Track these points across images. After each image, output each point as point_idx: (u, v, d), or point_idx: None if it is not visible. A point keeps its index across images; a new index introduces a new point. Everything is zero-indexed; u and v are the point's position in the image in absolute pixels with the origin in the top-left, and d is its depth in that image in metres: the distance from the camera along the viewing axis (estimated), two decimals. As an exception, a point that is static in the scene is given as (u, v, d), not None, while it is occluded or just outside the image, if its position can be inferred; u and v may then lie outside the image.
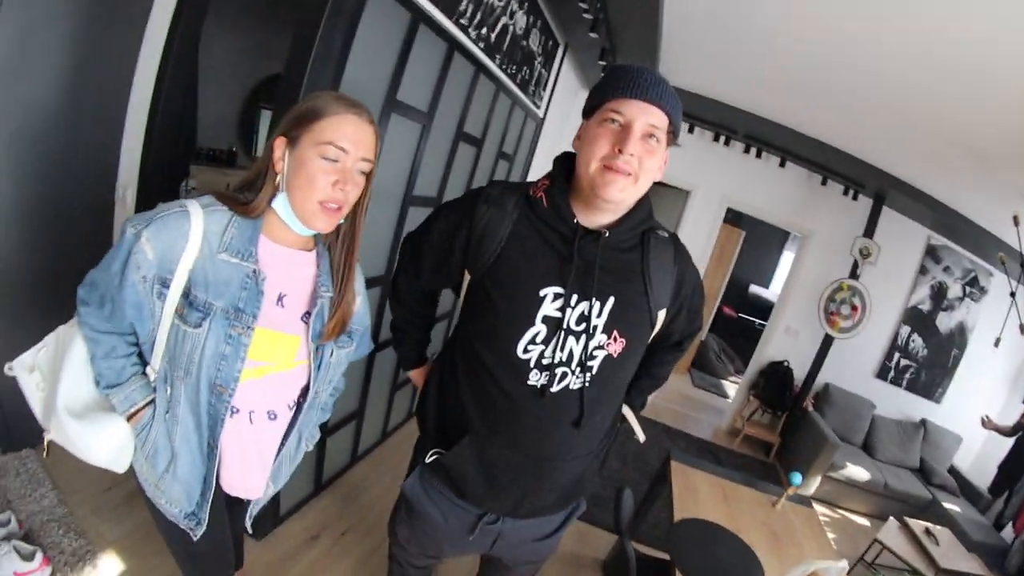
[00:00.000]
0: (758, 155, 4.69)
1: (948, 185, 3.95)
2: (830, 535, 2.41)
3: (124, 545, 1.93)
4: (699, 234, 5.02)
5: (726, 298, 7.58)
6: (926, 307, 5.01)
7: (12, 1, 1.63)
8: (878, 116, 3.26)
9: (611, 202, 1.02)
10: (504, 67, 2.78)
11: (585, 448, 1.17)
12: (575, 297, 1.05)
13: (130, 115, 2.12)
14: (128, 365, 1.07)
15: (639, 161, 0.99)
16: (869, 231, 4.71)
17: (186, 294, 0.99)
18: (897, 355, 5.07)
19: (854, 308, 4.66)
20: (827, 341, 4.84)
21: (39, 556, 1.71)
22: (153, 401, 1.08)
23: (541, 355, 1.05)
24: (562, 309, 1.04)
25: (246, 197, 1.03)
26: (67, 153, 1.97)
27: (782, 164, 4.64)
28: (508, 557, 1.43)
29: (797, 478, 2.19)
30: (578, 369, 1.07)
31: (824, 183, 4.68)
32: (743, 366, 6.21)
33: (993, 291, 5.05)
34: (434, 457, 1.21)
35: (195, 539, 1.15)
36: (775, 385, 5.09)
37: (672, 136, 1.04)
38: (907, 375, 5.12)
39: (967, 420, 4.99)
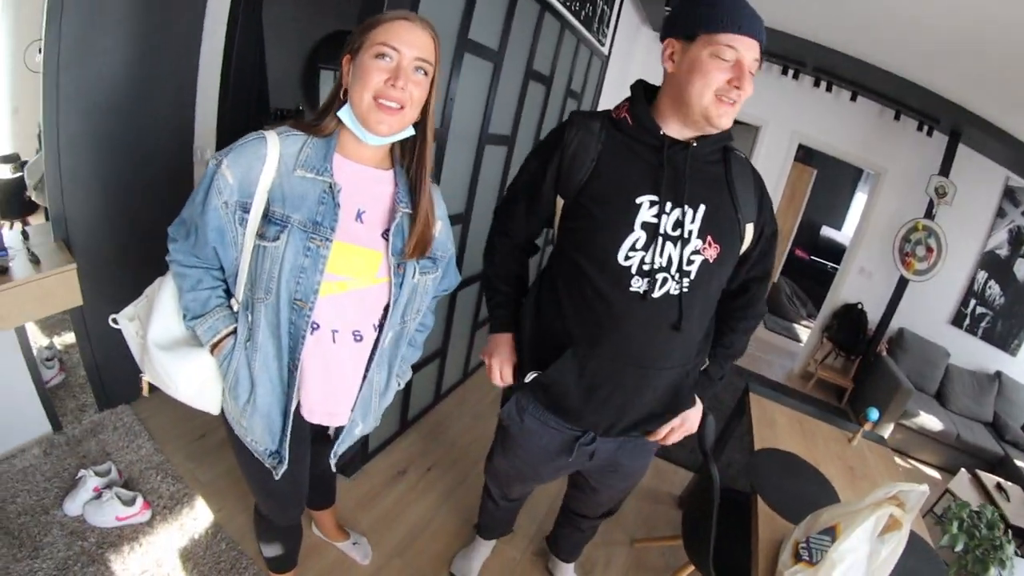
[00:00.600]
0: (828, 89, 4.48)
1: (1028, 123, 3.67)
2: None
3: (218, 487, 2.07)
4: (770, 171, 4.85)
5: (798, 240, 7.35)
6: (1004, 252, 4.70)
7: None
8: (954, 47, 3.04)
9: (722, 129, 1.09)
10: (567, 4, 2.74)
11: (682, 356, 1.21)
12: (669, 204, 1.10)
13: (201, 78, 2.21)
14: (213, 297, 1.12)
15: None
16: (944, 169, 4.43)
17: (266, 214, 1.02)
18: (973, 302, 4.81)
19: (929, 250, 4.44)
20: (902, 284, 4.65)
21: (139, 501, 1.85)
22: (235, 331, 1.12)
23: (642, 261, 1.10)
24: (658, 215, 1.10)
25: (318, 120, 1.07)
26: (144, 119, 2.07)
27: (853, 98, 4.42)
28: (597, 476, 1.49)
29: (874, 414, 2.15)
30: (677, 274, 1.11)
31: (897, 118, 4.44)
32: (815, 310, 6.03)
33: (1076, 240, 4.68)
34: (534, 376, 1.25)
35: (277, 477, 1.20)
36: (849, 328, 4.96)
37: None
38: (983, 324, 4.86)
39: (1044, 376, 4.73)
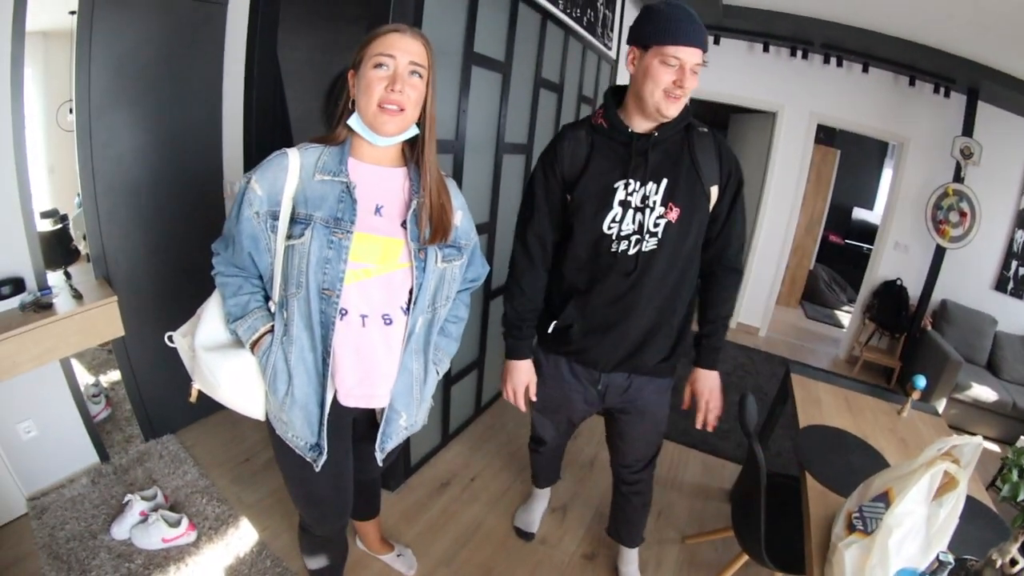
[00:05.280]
0: (839, 64, 4.42)
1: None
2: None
3: (263, 507, 2.11)
4: (793, 157, 4.83)
5: (830, 224, 7.15)
6: (1042, 208, 4.54)
7: (102, 35, 1.86)
8: (959, 2, 2.99)
9: (671, 118, 1.38)
10: (567, 11, 2.78)
11: (651, 299, 1.51)
12: (637, 184, 1.42)
13: (226, 119, 2.32)
14: (252, 300, 1.25)
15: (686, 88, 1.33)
16: (967, 129, 4.32)
17: (292, 217, 1.14)
18: (1015, 264, 4.63)
19: (963, 214, 4.32)
20: (939, 253, 4.53)
21: (185, 522, 1.91)
22: (273, 328, 1.23)
23: (620, 228, 1.44)
24: (631, 193, 1.42)
25: (332, 131, 1.21)
26: (173, 162, 2.19)
27: (865, 70, 4.35)
28: (623, 419, 1.75)
29: (921, 381, 2.07)
30: (647, 235, 1.44)
31: (912, 83, 4.35)
32: (855, 295, 5.87)
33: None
34: (554, 325, 1.61)
35: (317, 470, 1.25)
36: (890, 305, 4.84)
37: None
38: (1029, 286, 4.69)
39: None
